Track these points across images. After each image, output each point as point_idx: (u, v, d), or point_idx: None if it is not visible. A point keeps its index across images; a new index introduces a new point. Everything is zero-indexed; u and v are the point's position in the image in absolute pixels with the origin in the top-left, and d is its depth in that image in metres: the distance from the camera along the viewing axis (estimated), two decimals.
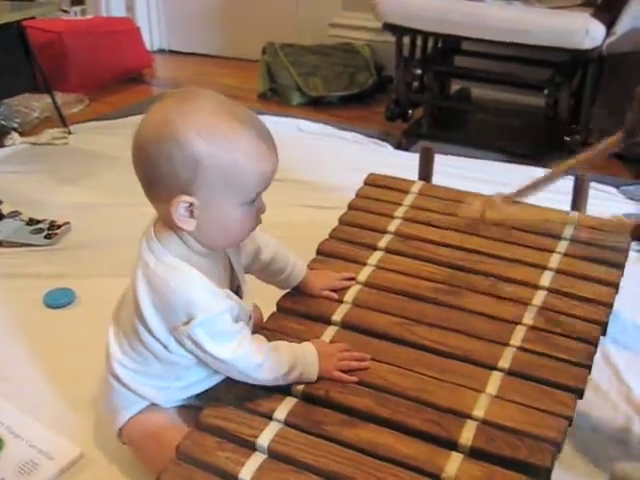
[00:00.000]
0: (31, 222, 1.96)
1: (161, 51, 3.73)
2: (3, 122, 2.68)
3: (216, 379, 1.13)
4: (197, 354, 1.05)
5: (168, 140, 0.95)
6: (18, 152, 2.48)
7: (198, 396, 1.15)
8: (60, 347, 1.49)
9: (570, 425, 1.05)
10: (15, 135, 2.56)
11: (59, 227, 1.93)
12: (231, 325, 1.05)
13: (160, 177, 0.97)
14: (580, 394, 1.10)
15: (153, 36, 3.70)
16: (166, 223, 1.04)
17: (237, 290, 1.15)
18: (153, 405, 1.14)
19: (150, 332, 1.05)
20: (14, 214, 1.99)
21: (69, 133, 2.60)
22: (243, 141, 0.97)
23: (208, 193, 0.98)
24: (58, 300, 1.64)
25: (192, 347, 1.04)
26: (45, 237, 1.90)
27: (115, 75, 3.17)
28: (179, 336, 1.03)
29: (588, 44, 2.20)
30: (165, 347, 1.07)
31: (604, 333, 1.25)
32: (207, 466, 0.99)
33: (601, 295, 1.29)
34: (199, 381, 1.14)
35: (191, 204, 0.98)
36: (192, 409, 1.14)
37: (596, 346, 1.19)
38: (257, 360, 1.05)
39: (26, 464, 1.18)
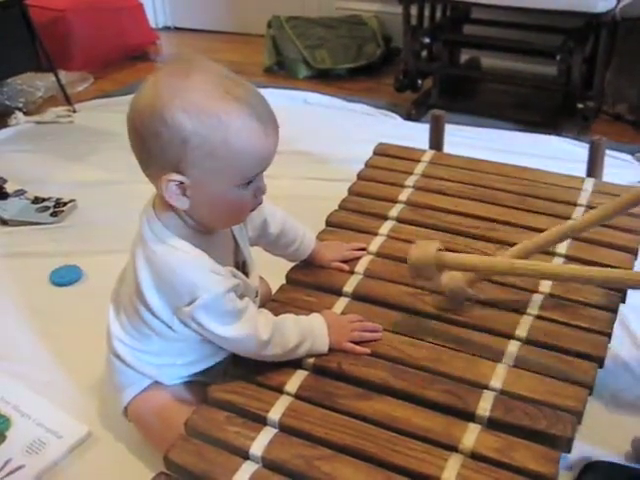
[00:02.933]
0: (37, 200, 1.94)
1: (166, 28, 3.68)
2: (7, 102, 2.64)
3: (221, 355, 1.11)
4: (202, 333, 1.03)
5: (155, 117, 0.90)
6: (23, 131, 2.45)
7: (203, 372, 1.13)
8: (67, 325, 1.47)
9: (590, 394, 1.02)
10: (19, 114, 2.53)
11: (65, 205, 1.91)
12: (235, 304, 1.01)
13: (151, 154, 0.93)
14: (600, 362, 1.07)
15: (157, 13, 3.64)
16: (163, 200, 0.99)
17: (243, 265, 1.12)
18: (157, 383, 1.11)
19: (152, 312, 1.03)
20: (19, 193, 1.97)
21: (74, 111, 2.57)
22: (234, 120, 0.91)
23: (198, 173, 0.93)
24: (65, 278, 1.63)
25: (196, 327, 1.01)
26: (51, 215, 1.87)
27: (119, 53, 3.13)
28: (182, 317, 1.00)
29: (601, 7, 2.15)
30: (169, 327, 1.04)
31: (623, 300, 1.22)
32: (217, 441, 0.97)
33: (620, 262, 1.25)
34: (203, 358, 1.11)
35: (182, 182, 0.93)
36: (198, 385, 1.12)
37: (616, 313, 1.16)
38: (264, 337, 1.03)
39: (34, 443, 1.17)
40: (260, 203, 1.02)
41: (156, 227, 1.00)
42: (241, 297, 1.04)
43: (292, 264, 1.30)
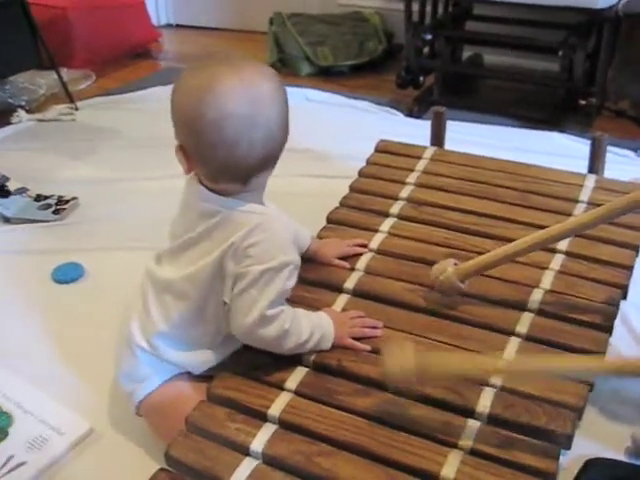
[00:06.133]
0: (39, 198, 1.94)
1: (168, 26, 3.68)
2: (10, 100, 2.64)
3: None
4: (243, 300, 1.02)
5: (277, 114, 0.99)
6: (25, 129, 2.45)
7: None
8: (69, 322, 1.47)
9: (591, 391, 1.02)
10: (22, 112, 2.52)
11: (67, 202, 1.91)
12: (291, 284, 1.05)
13: (275, 145, 1.01)
14: None
15: (159, 10, 3.64)
16: (254, 186, 1.05)
17: None
18: (174, 377, 1.12)
19: (219, 280, 1.05)
20: (22, 190, 1.96)
21: (76, 109, 2.57)
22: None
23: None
24: (67, 275, 1.62)
25: (246, 290, 1.01)
26: (53, 212, 1.87)
27: (121, 50, 3.13)
28: (247, 275, 1.01)
29: (603, 3, 2.15)
30: (218, 294, 1.06)
31: (624, 297, 1.22)
32: (217, 437, 0.97)
33: (621, 258, 1.26)
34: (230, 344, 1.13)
35: None
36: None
37: (617, 309, 1.16)
38: (285, 325, 1.03)
39: (36, 439, 1.17)
40: None
41: (237, 205, 1.04)
42: None
43: None
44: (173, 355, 1.11)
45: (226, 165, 1.00)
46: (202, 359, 1.12)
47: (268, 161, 1.02)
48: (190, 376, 1.13)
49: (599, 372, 1.02)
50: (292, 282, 1.05)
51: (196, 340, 1.12)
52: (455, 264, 1.18)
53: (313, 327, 1.07)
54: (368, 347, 1.09)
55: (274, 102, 0.99)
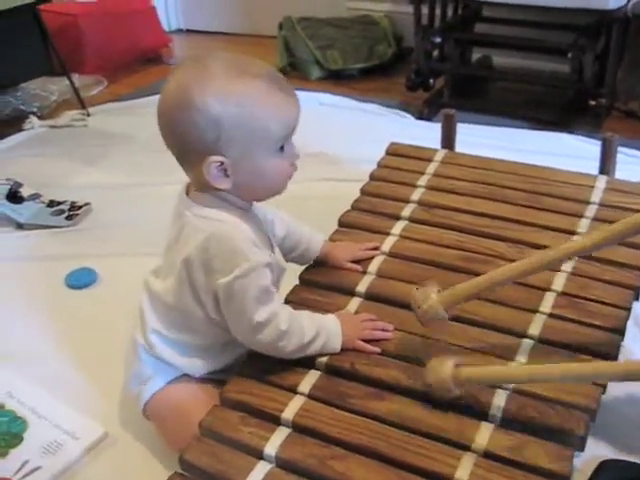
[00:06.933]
0: (52, 204, 1.95)
1: (178, 31, 3.70)
2: (22, 106, 2.67)
3: (239, 351, 1.13)
4: (231, 313, 1.04)
5: (186, 107, 0.98)
6: (37, 135, 2.47)
7: (227, 369, 1.15)
8: (83, 327, 1.48)
9: (604, 392, 1.02)
10: (34, 119, 2.55)
11: (80, 208, 1.92)
12: (269, 282, 1.04)
13: (188, 142, 1.00)
14: (614, 360, 1.06)
15: (170, 16, 3.66)
16: (201, 187, 1.05)
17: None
18: (179, 378, 1.13)
19: (196, 293, 1.06)
20: (35, 196, 1.98)
21: (88, 115, 2.59)
22: (257, 93, 0.99)
23: (235, 149, 1.00)
24: (80, 280, 1.63)
25: (228, 305, 1.03)
26: (66, 218, 1.89)
27: (132, 56, 3.15)
28: (221, 291, 1.02)
29: (613, 4, 2.15)
30: (204, 308, 1.07)
31: (637, 298, 1.21)
32: (231, 441, 0.98)
33: (634, 259, 1.25)
34: (224, 351, 1.14)
35: (222, 163, 1.00)
36: (218, 383, 1.12)
37: (629, 311, 1.16)
38: (282, 327, 1.03)
39: (50, 444, 1.18)
40: (296, 169, 1.08)
41: (197, 209, 1.05)
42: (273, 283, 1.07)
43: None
44: (170, 356, 1.12)
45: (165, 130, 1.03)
46: (199, 364, 1.14)
47: (189, 153, 1.02)
48: (195, 378, 1.14)
49: (613, 376, 1.01)
50: (267, 280, 1.04)
51: (192, 348, 1.13)
52: (438, 291, 1.09)
53: (318, 328, 1.07)
54: (378, 349, 1.09)
55: (193, 104, 0.97)
